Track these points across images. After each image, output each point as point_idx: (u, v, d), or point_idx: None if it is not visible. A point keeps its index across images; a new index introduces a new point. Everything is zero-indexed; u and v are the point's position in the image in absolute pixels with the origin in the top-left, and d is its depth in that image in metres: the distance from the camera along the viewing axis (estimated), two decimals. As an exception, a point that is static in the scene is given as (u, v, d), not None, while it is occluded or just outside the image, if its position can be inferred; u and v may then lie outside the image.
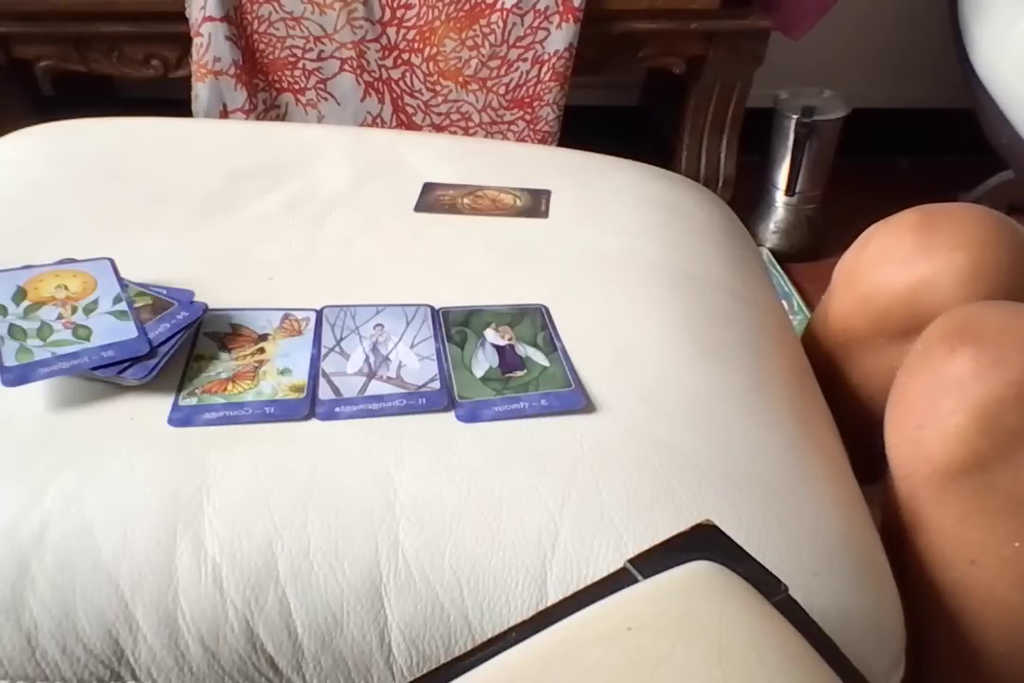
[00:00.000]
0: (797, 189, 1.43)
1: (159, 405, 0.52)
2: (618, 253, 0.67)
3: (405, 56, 1.14)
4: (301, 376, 0.54)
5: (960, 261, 0.59)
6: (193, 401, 0.52)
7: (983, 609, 0.52)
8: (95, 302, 0.56)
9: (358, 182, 0.75)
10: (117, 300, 0.56)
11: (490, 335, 0.59)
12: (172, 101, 1.14)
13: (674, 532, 0.41)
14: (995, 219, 0.61)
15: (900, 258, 0.62)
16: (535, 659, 0.36)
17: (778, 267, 1.45)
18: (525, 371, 0.56)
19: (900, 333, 0.63)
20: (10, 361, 0.51)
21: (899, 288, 0.62)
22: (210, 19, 1.08)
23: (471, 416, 0.52)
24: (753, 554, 0.40)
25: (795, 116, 1.36)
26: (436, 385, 0.54)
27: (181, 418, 0.51)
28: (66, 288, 0.57)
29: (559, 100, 1.18)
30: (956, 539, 0.52)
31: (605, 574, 0.40)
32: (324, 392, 0.53)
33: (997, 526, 0.50)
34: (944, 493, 0.51)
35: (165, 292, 0.57)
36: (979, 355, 0.50)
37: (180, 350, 0.54)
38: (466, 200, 0.73)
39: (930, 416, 0.51)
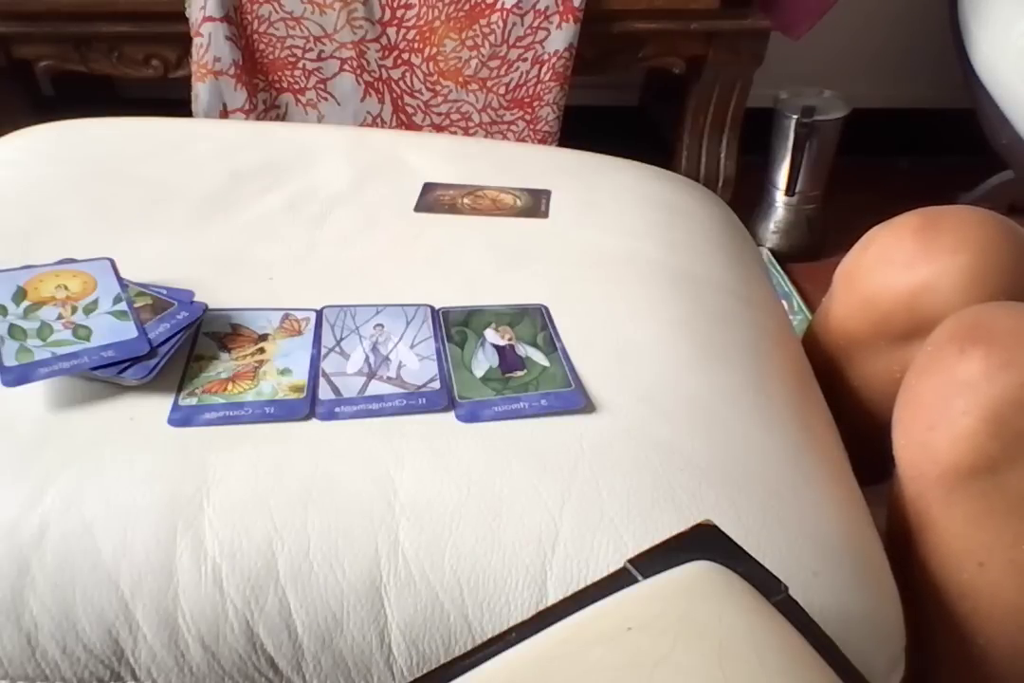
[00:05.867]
0: (797, 189, 1.43)
1: (159, 405, 0.51)
2: (618, 253, 0.67)
3: (405, 56, 1.14)
4: (301, 376, 0.54)
5: (961, 264, 0.59)
6: (193, 401, 0.52)
7: (990, 611, 0.52)
8: (95, 302, 0.56)
9: (358, 182, 0.75)
10: (117, 300, 0.56)
11: (490, 335, 0.59)
12: (172, 101, 1.14)
13: (674, 532, 0.41)
14: (996, 222, 0.61)
15: (901, 261, 0.62)
16: (535, 659, 0.36)
17: (778, 267, 1.45)
18: (525, 371, 0.56)
19: (901, 336, 0.63)
20: (10, 361, 0.51)
21: (900, 291, 0.62)
22: (210, 19, 1.08)
23: (471, 416, 0.52)
24: (753, 554, 0.40)
25: (795, 116, 1.36)
26: (436, 385, 0.54)
27: (181, 418, 0.51)
28: (66, 288, 0.57)
29: (559, 100, 1.18)
30: (964, 541, 0.52)
31: (605, 574, 0.40)
32: (324, 392, 0.53)
33: (1006, 528, 0.50)
34: (953, 494, 0.51)
35: (165, 292, 0.57)
36: (990, 356, 0.49)
37: (180, 350, 0.54)
38: (466, 200, 0.73)
39: (940, 417, 0.51)
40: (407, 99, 1.17)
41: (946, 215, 0.62)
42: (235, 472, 0.48)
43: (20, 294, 0.56)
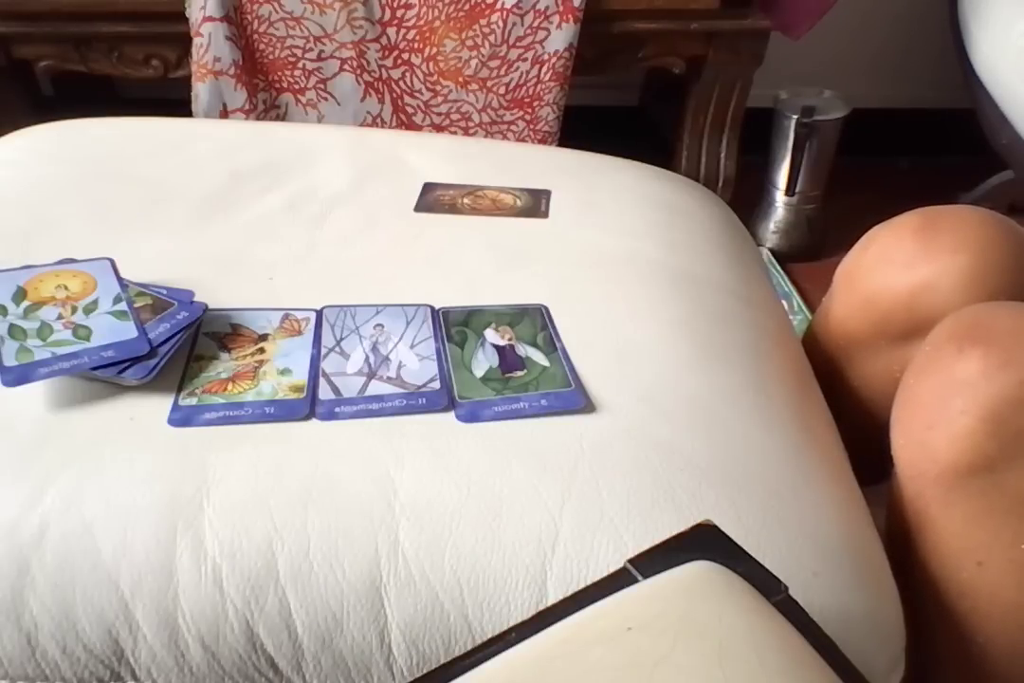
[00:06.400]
0: (797, 189, 1.43)
1: (159, 405, 0.52)
2: (618, 253, 0.67)
3: (405, 56, 1.14)
4: (301, 376, 0.54)
5: (961, 264, 0.59)
6: (193, 401, 0.52)
7: (990, 610, 0.52)
8: (95, 302, 0.56)
9: (358, 182, 0.75)
10: (117, 300, 0.56)
11: (490, 335, 0.59)
12: (172, 101, 1.14)
13: (674, 532, 0.41)
14: (996, 221, 0.61)
15: (901, 261, 0.62)
16: (535, 659, 0.36)
17: (778, 267, 1.45)
18: (525, 371, 0.56)
19: (901, 336, 0.63)
20: (10, 361, 0.51)
21: (900, 291, 0.62)
22: (210, 19, 1.08)
23: (471, 416, 0.52)
24: (753, 554, 0.40)
25: (795, 116, 1.36)
26: (436, 385, 0.54)
27: (181, 418, 0.51)
28: (66, 288, 0.57)
29: (559, 100, 1.18)
30: (963, 540, 0.52)
31: (605, 574, 0.40)
32: (324, 392, 0.53)
33: (1005, 527, 0.50)
34: (952, 494, 0.51)
35: (165, 292, 0.57)
36: (988, 355, 0.49)
37: (180, 350, 0.54)
38: (466, 200, 0.73)
39: (939, 416, 0.51)
40: (407, 99, 1.17)
41: (946, 215, 0.62)
42: (235, 472, 0.48)
43: (20, 294, 0.56)
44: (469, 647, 0.42)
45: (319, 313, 0.59)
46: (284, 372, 0.54)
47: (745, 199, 1.34)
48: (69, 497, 0.47)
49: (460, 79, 1.16)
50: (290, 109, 1.17)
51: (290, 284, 0.62)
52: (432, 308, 0.60)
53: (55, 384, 0.52)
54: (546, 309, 0.61)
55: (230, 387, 0.53)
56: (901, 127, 1.67)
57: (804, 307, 1.36)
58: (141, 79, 1.18)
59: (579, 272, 0.65)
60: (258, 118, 1.15)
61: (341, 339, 0.57)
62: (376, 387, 0.54)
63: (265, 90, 1.15)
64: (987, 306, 0.54)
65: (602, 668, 0.34)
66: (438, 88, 1.16)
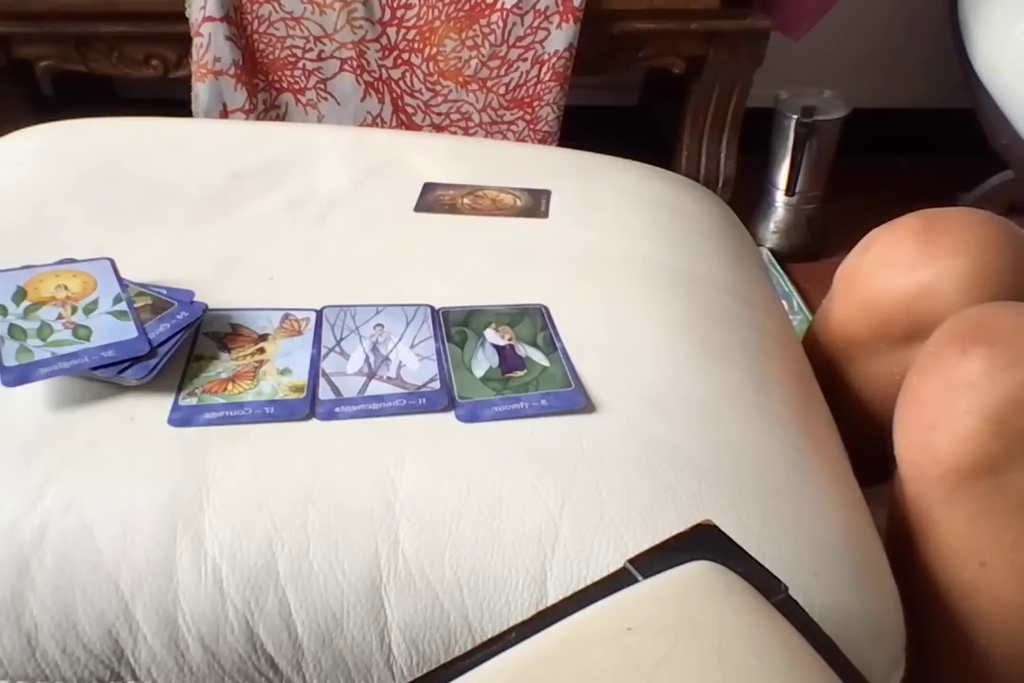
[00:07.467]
0: (797, 189, 1.44)
1: (159, 405, 0.51)
2: (618, 253, 0.67)
3: (405, 56, 1.14)
4: (301, 376, 0.54)
5: (962, 266, 0.59)
6: (193, 401, 0.52)
7: (992, 612, 0.52)
8: (95, 302, 0.56)
9: (358, 182, 0.75)
10: (117, 300, 0.56)
11: (490, 335, 0.59)
12: (172, 101, 1.14)
13: (674, 532, 0.41)
14: (996, 224, 0.61)
15: (901, 263, 0.62)
16: (535, 659, 0.36)
17: (778, 267, 1.45)
18: (525, 371, 0.56)
19: (901, 338, 0.63)
20: (10, 361, 0.51)
21: (900, 294, 0.62)
22: (210, 19, 1.08)
23: (471, 416, 0.52)
24: (753, 554, 0.40)
25: (795, 116, 1.36)
26: (436, 385, 0.54)
27: (181, 418, 0.51)
28: (66, 288, 0.57)
29: (559, 100, 1.18)
30: (966, 541, 0.52)
31: (605, 574, 0.40)
32: (324, 392, 0.53)
33: (1008, 528, 0.50)
34: (955, 494, 0.51)
35: (165, 292, 0.57)
36: (992, 356, 0.49)
37: (180, 350, 0.54)
38: (466, 200, 0.73)
39: (942, 417, 0.51)
40: (407, 99, 1.17)
41: (946, 217, 0.62)
42: (235, 472, 0.48)
43: (20, 294, 0.56)
44: (469, 647, 0.42)
45: (319, 313, 0.59)
46: (284, 372, 0.54)
47: (745, 199, 1.34)
48: (69, 497, 0.47)
49: (460, 79, 1.16)
50: (290, 109, 1.17)
51: (290, 284, 0.62)
52: (432, 308, 0.60)
53: (55, 384, 0.52)
54: (546, 309, 0.61)
55: (230, 387, 0.53)
56: (901, 127, 1.67)
57: (804, 307, 1.36)
58: (141, 79, 1.18)
59: (579, 272, 0.65)
60: (258, 118, 1.15)
61: (341, 339, 0.57)
62: (376, 387, 0.54)
63: (265, 90, 1.16)
64: (990, 306, 0.54)
65: (602, 668, 0.34)
66: (438, 88, 1.16)
